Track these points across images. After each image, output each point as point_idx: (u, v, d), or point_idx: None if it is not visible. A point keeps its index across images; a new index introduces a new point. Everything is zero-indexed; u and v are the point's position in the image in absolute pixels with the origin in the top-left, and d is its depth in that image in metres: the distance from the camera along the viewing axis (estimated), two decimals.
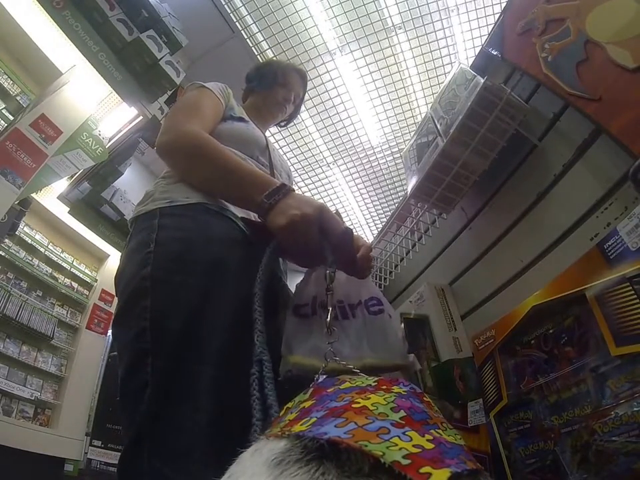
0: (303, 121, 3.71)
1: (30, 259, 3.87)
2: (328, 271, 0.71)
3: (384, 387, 0.38)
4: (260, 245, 0.80)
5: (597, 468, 0.69)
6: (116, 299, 0.85)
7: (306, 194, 4.39)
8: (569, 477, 0.74)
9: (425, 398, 0.38)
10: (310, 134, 3.88)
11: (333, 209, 4.26)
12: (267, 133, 1.41)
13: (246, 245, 0.84)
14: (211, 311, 0.74)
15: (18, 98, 3.40)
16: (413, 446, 0.28)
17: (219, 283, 0.78)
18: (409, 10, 3.09)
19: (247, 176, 0.84)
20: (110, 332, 4.28)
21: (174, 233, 0.82)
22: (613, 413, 0.69)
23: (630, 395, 0.66)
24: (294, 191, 0.80)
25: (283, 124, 1.50)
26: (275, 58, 3.19)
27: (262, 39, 3.31)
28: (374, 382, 0.40)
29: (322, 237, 0.76)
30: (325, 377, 0.54)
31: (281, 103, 1.35)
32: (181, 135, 0.93)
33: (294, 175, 4.17)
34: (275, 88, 1.34)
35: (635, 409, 0.65)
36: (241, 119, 1.16)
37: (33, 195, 3.38)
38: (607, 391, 0.71)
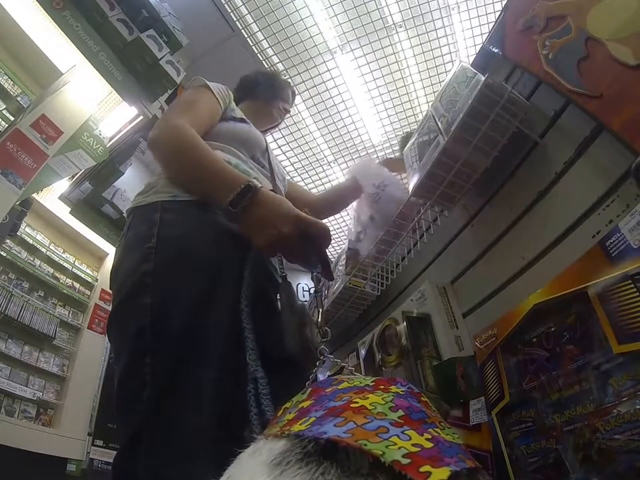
0: (303, 119, 3.71)
1: (31, 259, 3.87)
2: (315, 273, 0.72)
3: (382, 387, 0.38)
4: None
5: (599, 466, 0.69)
6: None
7: None
8: (571, 475, 0.74)
9: (422, 398, 0.38)
10: (310, 132, 3.87)
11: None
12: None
13: (245, 245, 0.84)
14: (212, 311, 0.74)
15: (18, 98, 3.41)
16: (412, 445, 0.27)
17: (220, 283, 0.77)
18: (410, 8, 3.08)
19: (215, 174, 0.83)
20: None
21: (177, 230, 0.81)
22: (615, 411, 0.68)
23: (633, 392, 0.66)
24: (259, 189, 0.79)
25: (265, 130, 1.56)
26: (276, 70, 3.22)
27: (262, 37, 3.31)
28: (371, 382, 0.40)
29: (305, 244, 0.76)
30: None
31: (282, 113, 1.52)
32: (166, 129, 0.94)
33: (294, 174, 4.17)
34: (277, 99, 1.49)
35: (638, 406, 0.65)
36: (242, 120, 1.17)
37: (34, 195, 3.38)
38: (610, 388, 0.70)
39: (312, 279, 0.73)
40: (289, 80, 1.73)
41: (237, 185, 0.78)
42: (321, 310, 0.67)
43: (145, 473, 0.60)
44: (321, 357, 0.59)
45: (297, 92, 1.67)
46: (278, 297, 0.88)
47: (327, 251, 0.80)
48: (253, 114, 1.36)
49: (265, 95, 1.46)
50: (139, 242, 0.80)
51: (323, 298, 0.71)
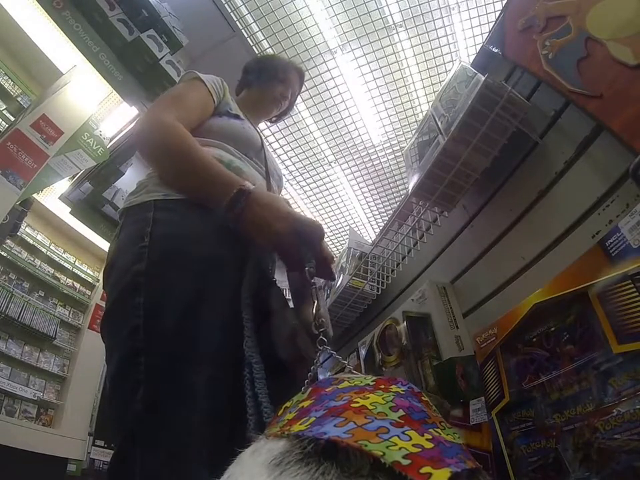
0: (303, 119, 3.71)
1: (32, 259, 3.88)
2: (307, 267, 0.73)
3: (382, 386, 0.38)
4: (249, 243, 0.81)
5: (599, 466, 0.69)
6: None
7: (307, 193, 4.39)
8: (571, 475, 0.74)
9: (423, 397, 0.37)
10: (311, 132, 3.87)
11: (334, 208, 4.21)
12: (267, 132, 1.41)
13: (239, 243, 0.84)
14: (205, 310, 0.73)
15: (19, 99, 3.41)
16: (413, 445, 0.27)
17: (213, 281, 0.77)
18: (410, 8, 3.08)
19: (207, 178, 0.83)
20: None
21: (169, 229, 0.80)
22: (615, 410, 0.68)
23: (632, 392, 0.66)
24: (252, 191, 0.79)
25: (274, 119, 1.50)
26: (275, 54, 3.20)
27: (262, 37, 3.30)
28: (372, 381, 0.40)
29: (299, 242, 0.77)
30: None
31: (278, 98, 1.36)
32: (153, 125, 0.91)
33: (295, 174, 4.17)
34: (274, 83, 1.35)
35: (638, 406, 0.65)
36: (237, 117, 1.14)
37: (35, 195, 3.39)
38: (609, 388, 0.71)
39: (305, 273, 0.73)
40: (299, 64, 1.53)
41: (230, 190, 0.79)
42: (316, 302, 0.68)
43: (141, 473, 0.59)
44: (320, 348, 0.60)
45: (305, 75, 1.48)
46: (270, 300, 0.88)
47: (324, 247, 0.81)
48: (251, 104, 1.32)
49: (258, 81, 1.36)
50: (131, 242, 0.79)
51: (317, 290, 0.71)
